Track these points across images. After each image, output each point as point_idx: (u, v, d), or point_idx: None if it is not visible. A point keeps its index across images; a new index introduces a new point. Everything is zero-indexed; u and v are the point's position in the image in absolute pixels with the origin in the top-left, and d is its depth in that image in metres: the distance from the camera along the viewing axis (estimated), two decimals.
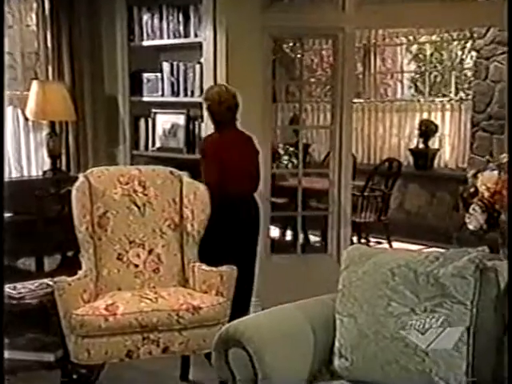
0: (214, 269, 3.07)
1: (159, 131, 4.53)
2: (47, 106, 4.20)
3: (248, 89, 4.03)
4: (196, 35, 4.18)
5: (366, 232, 5.99)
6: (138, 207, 3.19)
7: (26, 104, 4.28)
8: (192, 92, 4.26)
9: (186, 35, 4.24)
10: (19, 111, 4.56)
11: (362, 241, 6.05)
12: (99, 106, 4.71)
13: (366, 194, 5.77)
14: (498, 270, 1.99)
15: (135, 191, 3.20)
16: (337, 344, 2.09)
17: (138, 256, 3.14)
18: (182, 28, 4.27)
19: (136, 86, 4.59)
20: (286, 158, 6.44)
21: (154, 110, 4.56)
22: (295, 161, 6.78)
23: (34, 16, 4.72)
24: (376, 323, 2.02)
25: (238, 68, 3.99)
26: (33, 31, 4.82)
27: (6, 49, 5.15)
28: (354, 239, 6.01)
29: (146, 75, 4.54)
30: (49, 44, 4.49)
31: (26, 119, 4.47)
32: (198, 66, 4.19)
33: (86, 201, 3.05)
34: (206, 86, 4.09)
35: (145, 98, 4.56)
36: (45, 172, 4.39)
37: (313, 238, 6.17)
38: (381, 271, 2.07)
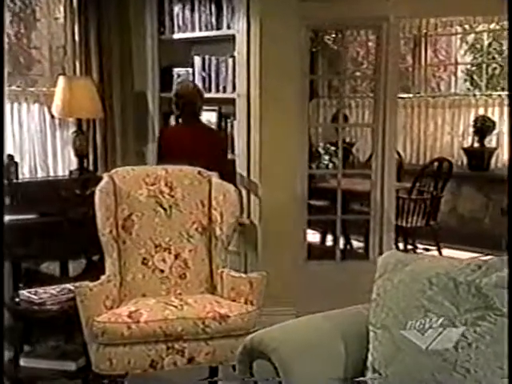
0: (243, 275, 3.09)
1: None
2: (74, 103, 4.28)
3: (283, 84, 4.04)
4: (229, 27, 4.21)
5: (413, 238, 5.91)
6: (165, 209, 3.23)
7: (53, 101, 4.38)
8: (224, 88, 4.29)
9: (219, 27, 4.28)
10: (45, 109, 4.67)
11: (409, 247, 5.98)
12: (128, 103, 4.79)
13: (413, 196, 5.69)
14: None
15: (161, 192, 3.25)
16: (370, 358, 2.08)
17: (164, 261, 3.18)
18: (214, 20, 4.31)
19: (166, 82, 4.65)
20: (326, 157, 6.41)
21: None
22: (336, 161, 6.77)
23: (61, 8, 4.82)
24: None
25: (272, 62, 4.01)
26: (61, 24, 4.92)
27: (33, 43, 5.30)
28: (401, 245, 5.96)
29: (176, 70, 4.60)
30: (76, 38, 4.58)
31: (53, 117, 4.57)
32: (230, 60, 4.22)
33: (110, 202, 3.11)
34: (238, 82, 4.13)
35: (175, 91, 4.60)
36: (71, 172, 4.48)
37: (356, 244, 6.13)
38: (418, 280, 2.05)
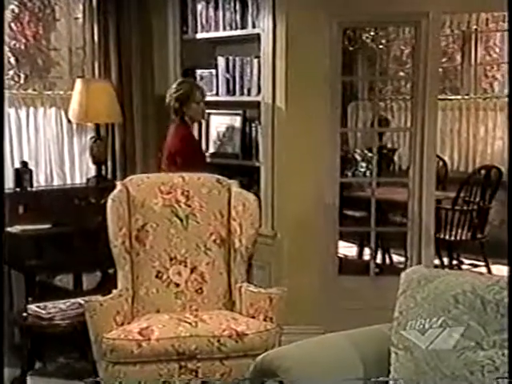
0: (262, 290, 3.10)
1: (213, 134, 4.62)
2: (91, 107, 4.37)
3: (312, 86, 4.05)
4: (254, 26, 4.24)
5: (458, 252, 5.84)
6: (181, 219, 3.27)
7: (70, 105, 4.47)
8: (249, 90, 4.32)
9: (243, 26, 4.32)
10: (62, 113, 4.77)
11: (454, 262, 5.91)
12: (149, 107, 4.86)
13: (457, 207, 5.63)
14: None
15: (178, 201, 3.29)
16: (391, 381, 2.06)
17: (180, 274, 3.22)
18: (238, 18, 4.35)
19: None
20: (363, 164, 6.39)
21: (207, 111, 4.64)
22: (375, 168, 6.74)
23: (81, 7, 4.91)
24: (435, 358, 1.98)
25: (300, 62, 4.02)
26: (81, 25, 5.02)
27: (53, 44, 5.42)
28: (445, 260, 5.89)
29: (199, 72, 4.65)
30: (95, 38, 4.67)
31: (70, 122, 4.66)
32: (255, 61, 4.25)
33: (123, 212, 3.16)
34: (263, 84, 4.15)
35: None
36: (88, 180, 4.56)
37: (397, 259, 6.08)
38: (442, 297, 2.03)
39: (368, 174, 6.60)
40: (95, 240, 3.66)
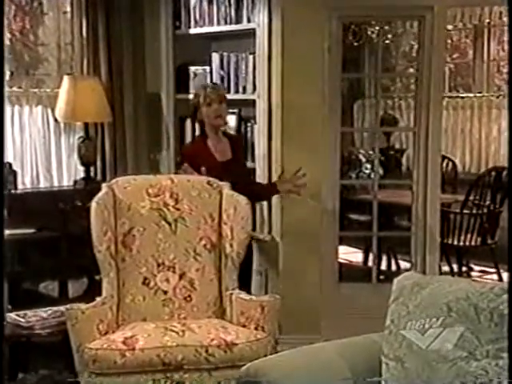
0: (253, 298, 3.12)
1: None
2: (79, 106, 4.40)
3: (309, 83, 4.07)
4: (249, 20, 4.26)
5: (467, 258, 5.85)
6: (169, 223, 3.29)
7: (57, 103, 4.50)
8: (244, 88, 4.34)
9: (238, 21, 4.34)
10: (49, 111, 4.80)
11: (463, 269, 5.91)
12: (140, 106, 4.90)
13: (465, 210, 5.63)
14: None
15: (166, 205, 3.31)
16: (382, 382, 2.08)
17: (168, 281, 3.24)
18: (233, 13, 4.37)
19: (182, 82, 4.73)
20: (368, 165, 6.41)
21: None
22: (380, 170, 6.76)
23: (69, 0, 4.93)
24: (427, 369, 1.99)
25: (297, 58, 4.03)
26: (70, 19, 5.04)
27: (41, 40, 5.45)
28: (455, 267, 5.90)
29: (193, 69, 4.68)
30: (84, 33, 4.71)
31: (57, 121, 4.69)
32: (251, 58, 4.27)
33: (109, 215, 3.19)
34: (259, 81, 4.17)
35: (191, 96, 4.67)
36: (76, 182, 4.59)
37: (404, 265, 6.09)
38: (435, 305, 2.05)
39: (373, 175, 6.63)
40: (81, 245, 3.67)
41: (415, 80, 4.51)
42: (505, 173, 5.82)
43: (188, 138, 4.77)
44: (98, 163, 4.76)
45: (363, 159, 6.48)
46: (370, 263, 6.27)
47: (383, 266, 6.18)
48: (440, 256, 5.79)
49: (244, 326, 3.06)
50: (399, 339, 2.10)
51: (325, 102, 4.16)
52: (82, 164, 4.59)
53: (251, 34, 4.21)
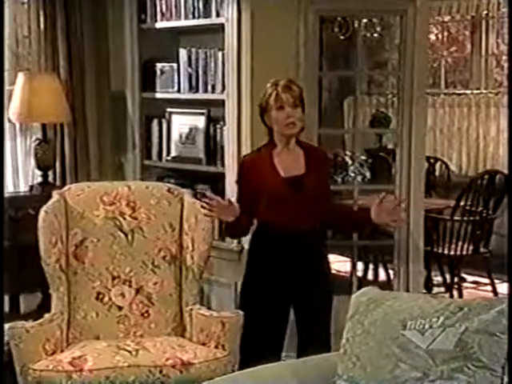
0: (214, 314, 3.17)
1: (175, 136, 4.69)
2: (34, 105, 4.42)
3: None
4: (218, 15, 4.31)
5: (458, 268, 5.90)
6: (125, 234, 3.33)
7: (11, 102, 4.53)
8: (213, 87, 4.39)
9: (207, 15, 4.38)
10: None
11: (456, 280, 5.96)
12: (103, 105, 4.93)
13: (456, 217, 5.69)
14: None
15: (122, 214, 3.35)
16: None
17: (123, 296, 3.28)
18: (201, 6, 4.41)
19: (148, 80, 4.78)
20: (352, 168, 6.46)
21: (169, 110, 4.73)
22: (367, 173, 6.82)
23: None
24: None
25: (268, 55, 4.06)
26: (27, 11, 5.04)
27: None
28: (447, 277, 5.95)
29: (159, 65, 4.72)
30: (41, 27, 4.73)
31: (10, 121, 4.71)
32: (220, 54, 4.32)
33: (59, 225, 3.23)
34: (228, 80, 4.22)
35: (158, 95, 4.74)
36: (31, 187, 4.62)
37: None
38: (390, 323, 2.10)
39: (360, 179, 6.69)
40: (34, 256, 3.70)
41: (397, 77, 4.57)
42: (498, 176, 5.89)
43: (155, 139, 4.83)
44: (57, 167, 4.79)
45: (349, 162, 6.53)
46: (358, 273, 6.37)
47: (370, 276, 6.26)
48: (428, 266, 5.93)
49: (204, 344, 3.10)
50: (353, 359, 2.15)
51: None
52: (39, 168, 4.62)
53: (220, 29, 4.25)
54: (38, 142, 4.61)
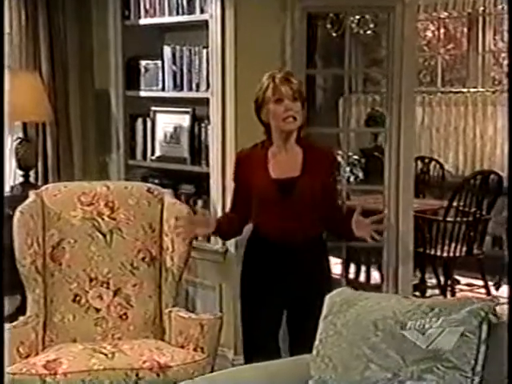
0: (192, 316, 3.20)
1: (160, 135, 4.72)
2: (14, 104, 4.43)
3: None
4: (202, 11, 4.33)
5: (451, 270, 5.94)
6: (104, 235, 3.36)
7: None
8: (197, 85, 4.41)
9: (191, 11, 4.41)
10: None
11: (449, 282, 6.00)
12: (88, 103, 4.96)
13: (449, 218, 5.73)
14: None
15: (100, 214, 3.38)
16: None
17: (101, 298, 3.30)
18: (185, 2, 4.44)
19: (132, 77, 4.81)
20: (347, 169, 6.49)
21: (153, 108, 4.75)
22: (360, 173, 6.86)
23: None
24: None
25: (252, 53, 4.08)
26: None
27: None
28: (441, 279, 5.99)
29: (143, 63, 4.75)
30: (23, 22, 4.75)
31: None
32: (204, 52, 4.34)
33: (35, 226, 3.25)
34: (212, 78, 4.24)
35: (142, 93, 4.76)
36: (12, 187, 4.64)
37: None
38: (362, 324, 2.13)
39: (352, 179, 6.73)
40: (12, 258, 3.73)
41: (386, 76, 4.60)
42: (491, 177, 5.92)
43: (139, 139, 4.86)
44: (39, 167, 4.81)
45: (342, 162, 6.56)
46: (350, 275, 6.41)
47: (362, 278, 6.31)
48: (423, 268, 5.97)
49: (183, 347, 3.13)
50: (326, 360, 2.18)
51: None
52: (20, 168, 4.64)
53: (204, 25, 4.28)
54: (19, 141, 4.64)
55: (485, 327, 2.01)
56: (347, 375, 2.10)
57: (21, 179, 4.70)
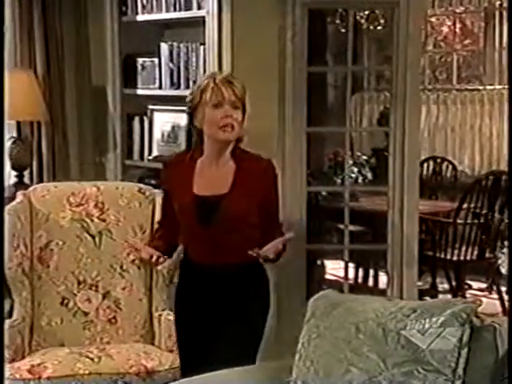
0: None
1: (157, 134, 4.76)
2: (9, 102, 4.49)
3: (267, 80, 4.15)
4: (199, 7, 4.38)
5: (463, 274, 5.94)
6: (93, 236, 3.40)
7: None
8: (194, 82, 4.43)
9: (188, 7, 4.46)
10: None
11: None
12: (84, 102, 5.00)
13: (459, 220, 5.73)
14: (496, 329, 2.03)
15: (89, 215, 3.42)
16: None
17: (89, 301, 3.35)
18: None
19: (129, 75, 4.86)
20: (354, 169, 6.52)
21: (150, 107, 4.80)
22: (369, 173, 6.87)
23: None
24: None
25: (250, 51, 4.11)
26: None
27: None
28: (453, 284, 5.99)
29: (140, 60, 4.80)
30: (17, 19, 4.81)
31: None
32: (202, 49, 4.39)
33: (22, 227, 3.30)
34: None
35: (139, 91, 4.81)
36: (5, 188, 4.68)
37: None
38: (345, 326, 2.16)
39: (360, 180, 6.74)
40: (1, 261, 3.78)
41: (390, 74, 4.61)
42: (504, 177, 5.91)
43: (136, 138, 4.91)
44: (34, 167, 4.86)
45: (350, 162, 6.59)
46: (360, 280, 6.44)
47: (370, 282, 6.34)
48: (434, 272, 5.98)
49: (171, 351, 3.17)
50: (308, 364, 2.22)
51: (289, 99, 4.26)
52: (14, 168, 4.70)
53: (202, 22, 4.32)
54: (12, 140, 4.69)
55: (467, 330, 2.04)
56: (328, 378, 2.13)
57: (15, 180, 4.75)
